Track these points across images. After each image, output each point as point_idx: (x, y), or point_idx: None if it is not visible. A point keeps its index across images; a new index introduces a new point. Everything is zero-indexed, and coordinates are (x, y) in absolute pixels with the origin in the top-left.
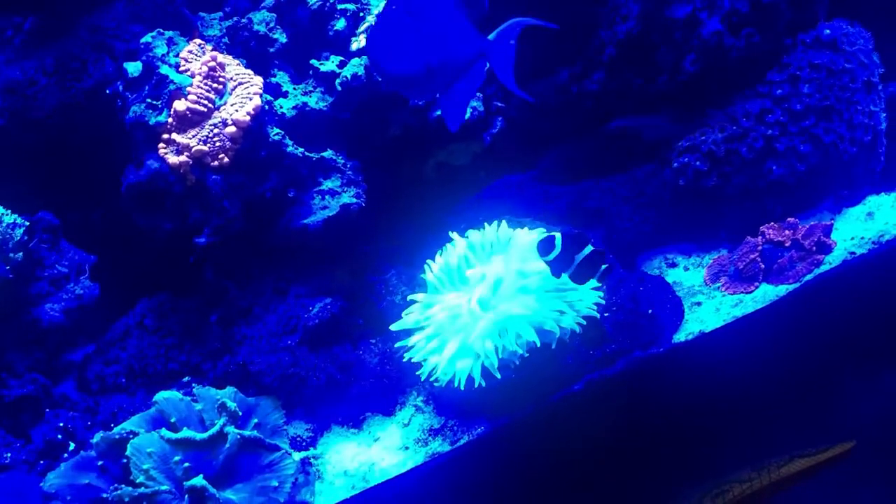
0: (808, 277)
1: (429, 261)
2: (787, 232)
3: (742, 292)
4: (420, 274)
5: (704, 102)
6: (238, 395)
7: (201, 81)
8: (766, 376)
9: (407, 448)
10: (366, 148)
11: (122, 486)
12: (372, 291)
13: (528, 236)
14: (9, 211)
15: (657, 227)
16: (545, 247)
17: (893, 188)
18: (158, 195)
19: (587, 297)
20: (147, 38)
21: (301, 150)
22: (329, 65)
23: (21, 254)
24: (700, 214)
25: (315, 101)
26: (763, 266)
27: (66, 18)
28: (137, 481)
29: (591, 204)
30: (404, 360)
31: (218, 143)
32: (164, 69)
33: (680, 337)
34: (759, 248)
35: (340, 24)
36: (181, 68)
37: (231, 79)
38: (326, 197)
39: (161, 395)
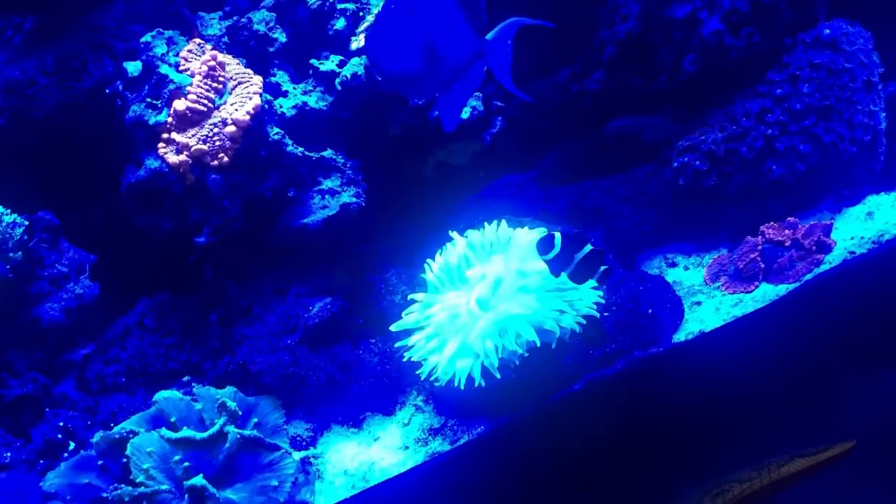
0: (808, 277)
1: (429, 260)
2: (787, 231)
3: (742, 292)
4: (420, 273)
5: (704, 102)
6: (238, 394)
7: (201, 81)
8: (766, 376)
9: (407, 447)
10: (366, 147)
11: (122, 485)
12: (372, 291)
13: (528, 236)
14: (8, 210)
15: (657, 226)
16: (545, 246)
17: (893, 188)
18: (158, 195)
19: (587, 297)
20: (147, 38)
21: (301, 149)
22: (329, 64)
23: (21, 253)
24: (700, 214)
25: (315, 100)
26: (763, 265)
27: (65, 18)
28: (137, 481)
29: (590, 203)
30: (404, 359)
31: (218, 143)
32: (164, 69)
33: (680, 337)
34: (759, 247)
35: (340, 23)
36: (181, 68)
37: (231, 78)
38: (326, 196)
39: (161, 395)
